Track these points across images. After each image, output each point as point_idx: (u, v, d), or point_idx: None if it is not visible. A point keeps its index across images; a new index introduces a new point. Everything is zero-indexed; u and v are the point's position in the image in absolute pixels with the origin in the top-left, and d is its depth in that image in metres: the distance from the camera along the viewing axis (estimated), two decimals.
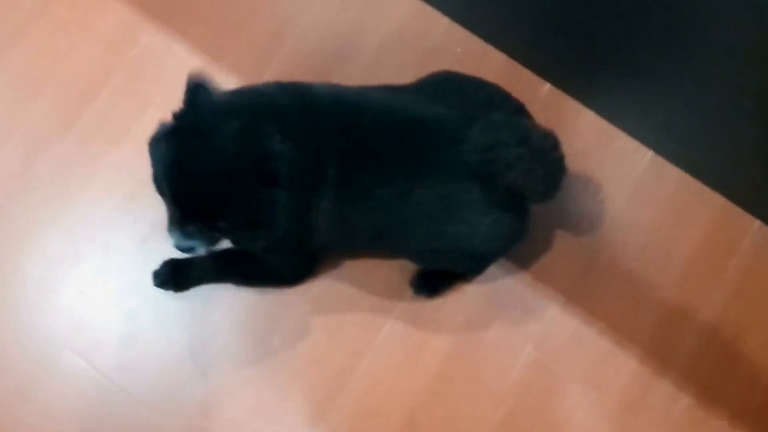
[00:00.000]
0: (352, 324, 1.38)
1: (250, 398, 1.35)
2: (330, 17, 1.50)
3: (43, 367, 1.34)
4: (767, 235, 1.44)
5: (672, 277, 1.43)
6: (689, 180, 1.46)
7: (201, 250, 1.11)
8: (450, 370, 1.38)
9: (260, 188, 1.02)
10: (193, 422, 1.33)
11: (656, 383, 1.39)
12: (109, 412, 1.33)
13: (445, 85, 1.23)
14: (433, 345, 1.39)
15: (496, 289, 1.41)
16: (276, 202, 1.04)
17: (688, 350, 1.41)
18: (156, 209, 1.37)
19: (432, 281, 1.40)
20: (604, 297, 1.42)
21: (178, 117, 1.04)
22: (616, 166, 1.47)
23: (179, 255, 1.31)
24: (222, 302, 1.38)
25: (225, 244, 1.17)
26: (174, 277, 1.36)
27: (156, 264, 1.35)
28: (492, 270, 1.37)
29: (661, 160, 1.47)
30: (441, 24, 1.50)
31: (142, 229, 1.39)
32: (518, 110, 1.24)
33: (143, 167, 1.38)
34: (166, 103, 1.39)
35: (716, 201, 1.45)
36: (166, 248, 1.35)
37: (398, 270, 1.39)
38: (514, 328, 1.40)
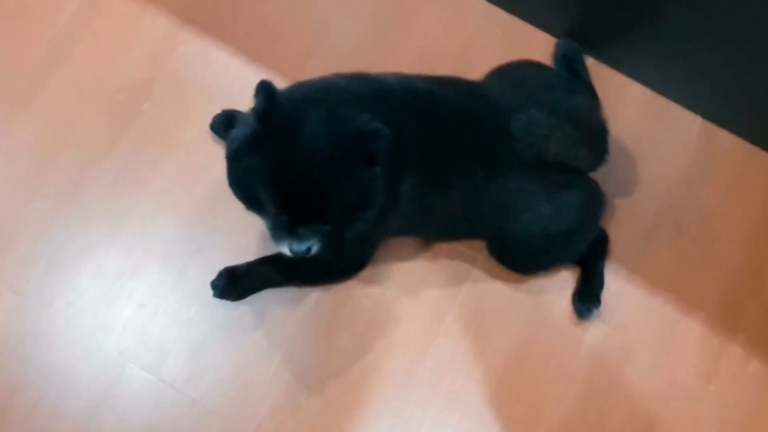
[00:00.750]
0: (417, 314, 1.38)
1: (320, 397, 1.34)
2: (368, 11, 1.50)
3: (110, 385, 1.32)
4: None
5: (735, 244, 1.44)
6: (744, 144, 1.47)
7: (315, 249, 1.08)
8: (520, 350, 1.37)
9: (362, 168, 1.02)
10: (266, 426, 1.32)
11: (725, 349, 1.39)
12: (183, 424, 1.32)
13: (510, 77, 1.27)
14: (502, 326, 1.38)
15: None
16: (376, 179, 1.03)
17: (756, 315, 1.41)
18: (210, 216, 1.38)
19: (589, 292, 1.39)
20: (667, 266, 1.42)
21: (262, 119, 1.00)
22: (668, 135, 1.47)
23: (234, 264, 1.33)
24: (282, 304, 1.37)
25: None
26: (233, 286, 1.33)
27: (212, 273, 1.33)
28: None
29: (711, 126, 1.47)
30: (479, 8, 1.50)
31: (198, 238, 1.38)
32: (580, 91, 1.26)
33: (193, 176, 1.40)
34: (209, 108, 1.41)
35: None
36: (221, 257, 1.35)
37: (460, 253, 1.39)
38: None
